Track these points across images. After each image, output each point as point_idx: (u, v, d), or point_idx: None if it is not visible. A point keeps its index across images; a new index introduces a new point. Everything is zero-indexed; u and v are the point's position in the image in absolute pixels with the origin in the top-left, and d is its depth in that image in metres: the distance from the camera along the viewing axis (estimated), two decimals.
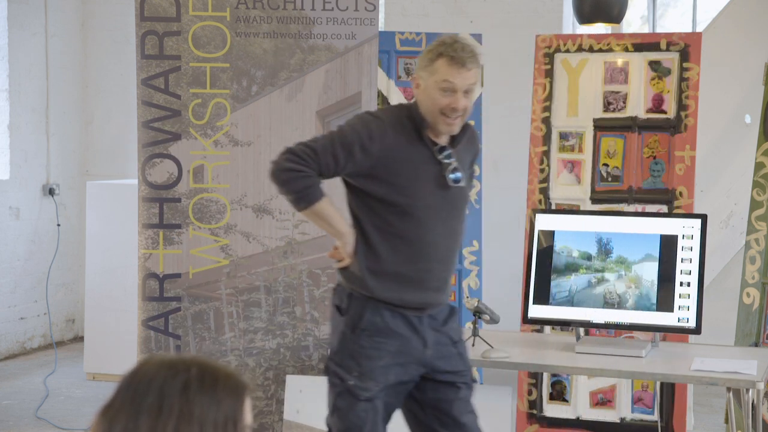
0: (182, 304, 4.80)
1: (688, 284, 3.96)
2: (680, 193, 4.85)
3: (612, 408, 4.88)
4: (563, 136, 5.06)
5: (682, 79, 4.90)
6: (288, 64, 4.82)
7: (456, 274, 5.33)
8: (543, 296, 4.09)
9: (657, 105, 4.94)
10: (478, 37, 5.42)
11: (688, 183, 4.85)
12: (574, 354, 3.96)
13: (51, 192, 7.58)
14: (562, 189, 5.04)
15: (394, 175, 3.17)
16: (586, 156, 5.01)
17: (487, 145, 5.72)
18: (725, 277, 6.52)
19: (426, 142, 3.22)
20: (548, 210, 4.91)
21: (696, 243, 3.98)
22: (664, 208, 4.86)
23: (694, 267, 3.96)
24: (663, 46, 4.94)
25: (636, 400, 4.86)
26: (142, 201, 4.81)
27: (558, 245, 4.11)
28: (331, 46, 4.81)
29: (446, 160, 3.22)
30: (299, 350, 4.79)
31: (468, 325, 4.12)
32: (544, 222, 4.18)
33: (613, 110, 5.00)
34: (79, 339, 7.64)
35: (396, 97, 5.40)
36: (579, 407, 4.90)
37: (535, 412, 4.94)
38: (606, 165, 4.99)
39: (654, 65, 4.96)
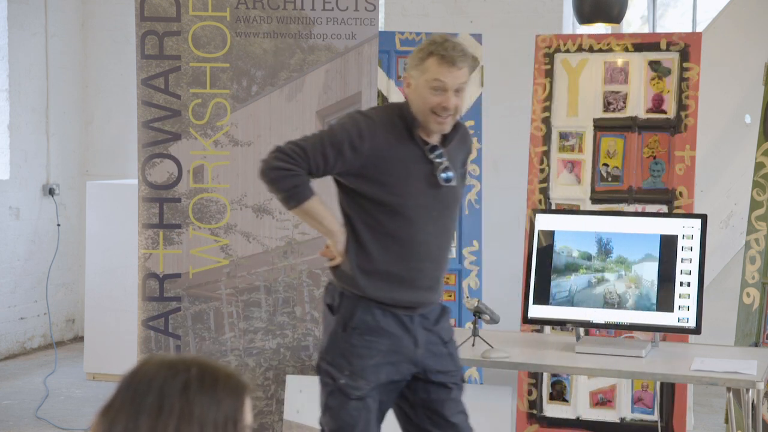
0: (182, 304, 4.80)
1: (688, 284, 3.96)
2: (680, 193, 4.85)
3: (612, 408, 4.88)
4: (563, 136, 5.06)
5: (682, 79, 4.90)
6: (288, 64, 4.82)
7: (456, 274, 5.33)
8: (543, 296, 4.09)
9: (657, 105, 4.94)
10: (478, 37, 5.42)
11: (688, 183, 4.85)
12: (574, 354, 3.96)
13: (51, 192, 7.58)
14: (562, 189, 5.04)
15: (385, 174, 3.17)
16: (586, 156, 5.01)
17: (487, 145, 5.73)
18: (725, 277, 6.53)
19: (417, 141, 3.21)
20: (548, 210, 4.91)
21: (696, 243, 3.98)
22: (664, 208, 4.86)
23: (694, 267, 3.96)
24: (663, 46, 4.94)
25: (636, 400, 4.86)
26: (142, 201, 4.81)
27: (558, 245, 4.11)
28: (331, 46, 4.81)
29: (437, 160, 3.21)
30: (299, 350, 4.79)
31: (468, 325, 4.12)
32: (544, 222, 4.18)
33: (613, 110, 5.00)
34: (79, 339, 7.64)
35: (396, 97, 5.40)
36: (579, 407, 4.90)
37: (535, 412, 4.94)
38: (606, 165, 4.99)
39: (654, 65, 4.96)
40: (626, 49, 4.99)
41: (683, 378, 3.78)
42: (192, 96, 4.80)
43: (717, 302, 6.10)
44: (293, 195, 3.18)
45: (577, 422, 4.89)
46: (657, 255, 4.00)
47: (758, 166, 5.02)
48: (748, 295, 4.94)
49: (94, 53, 7.90)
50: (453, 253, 5.31)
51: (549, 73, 5.08)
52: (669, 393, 4.73)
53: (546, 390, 4.94)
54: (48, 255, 7.52)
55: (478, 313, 3.94)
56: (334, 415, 3.21)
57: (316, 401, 3.31)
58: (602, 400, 4.89)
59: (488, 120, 6.08)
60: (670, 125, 4.91)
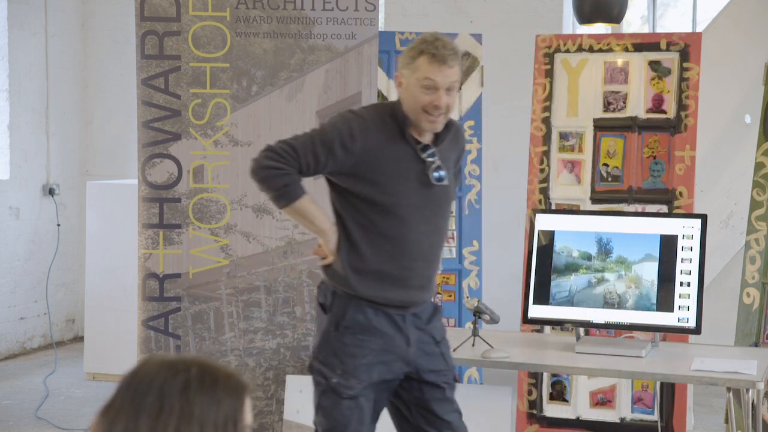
0: (182, 304, 4.80)
1: (688, 284, 3.96)
2: (680, 193, 4.85)
3: (612, 408, 4.88)
4: (563, 136, 5.06)
5: (682, 79, 4.90)
6: (288, 64, 4.82)
7: (456, 274, 5.33)
8: (543, 296, 4.09)
9: (657, 105, 4.94)
10: (478, 37, 5.41)
11: (688, 183, 4.85)
12: (574, 354, 3.95)
13: (51, 192, 7.58)
14: (562, 189, 5.04)
15: (377, 173, 3.17)
16: (586, 156, 5.01)
17: (487, 145, 5.72)
18: (725, 277, 6.52)
19: (409, 140, 3.21)
20: (548, 210, 4.91)
21: (696, 243, 3.98)
22: (664, 208, 4.86)
23: (694, 267, 3.96)
24: (663, 46, 4.94)
25: (636, 400, 4.86)
26: (142, 201, 4.81)
27: (558, 245, 4.11)
28: (331, 46, 4.81)
29: (429, 159, 3.21)
30: (299, 350, 4.79)
31: (468, 325, 4.12)
32: (544, 222, 4.17)
33: (613, 110, 5.00)
34: (79, 339, 7.64)
35: (396, 98, 5.39)
36: (579, 407, 4.90)
37: (535, 412, 4.94)
38: (606, 165, 4.99)
39: (654, 65, 4.96)
40: (626, 49, 4.99)
41: (683, 378, 3.77)
42: (192, 96, 4.80)
43: (717, 302, 6.10)
44: (284, 194, 3.18)
45: (577, 422, 4.89)
46: (657, 255, 4.00)
47: (758, 166, 5.02)
48: (748, 295, 4.94)
49: (94, 53, 7.90)
50: (453, 253, 5.32)
51: (549, 73, 5.08)
52: (669, 393, 4.73)
53: (546, 390, 4.94)
54: (48, 255, 7.52)
55: (478, 313, 3.94)
56: (326, 415, 3.21)
57: None
58: (602, 400, 4.89)
59: (488, 120, 6.08)
60: (670, 125, 4.91)
